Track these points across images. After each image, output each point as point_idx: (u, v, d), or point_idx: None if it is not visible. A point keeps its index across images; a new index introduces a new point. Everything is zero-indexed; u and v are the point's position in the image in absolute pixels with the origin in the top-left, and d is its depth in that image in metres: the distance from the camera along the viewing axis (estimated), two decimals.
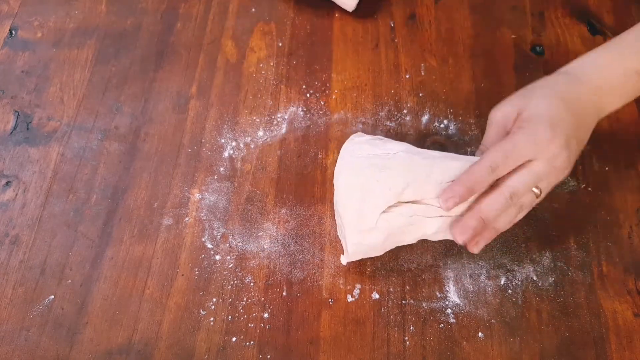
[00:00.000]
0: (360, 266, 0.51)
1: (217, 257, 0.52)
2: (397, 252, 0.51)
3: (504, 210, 0.44)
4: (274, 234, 0.53)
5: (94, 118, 0.59)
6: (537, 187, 0.45)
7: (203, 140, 0.58)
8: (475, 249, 0.45)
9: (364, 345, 0.48)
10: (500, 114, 0.48)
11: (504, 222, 0.45)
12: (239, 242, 0.52)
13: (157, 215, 0.54)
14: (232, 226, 0.53)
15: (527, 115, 0.45)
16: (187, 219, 0.53)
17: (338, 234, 0.52)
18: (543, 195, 0.46)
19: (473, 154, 0.56)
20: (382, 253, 0.48)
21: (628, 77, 0.48)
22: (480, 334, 0.48)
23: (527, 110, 0.46)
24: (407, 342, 0.48)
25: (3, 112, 0.59)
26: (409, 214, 0.45)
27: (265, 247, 0.52)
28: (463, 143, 0.57)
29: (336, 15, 0.66)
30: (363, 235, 0.45)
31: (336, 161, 0.56)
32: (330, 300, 0.50)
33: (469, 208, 0.45)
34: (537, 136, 0.44)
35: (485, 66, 0.62)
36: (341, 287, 0.50)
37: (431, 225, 0.46)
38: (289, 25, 0.65)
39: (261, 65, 0.63)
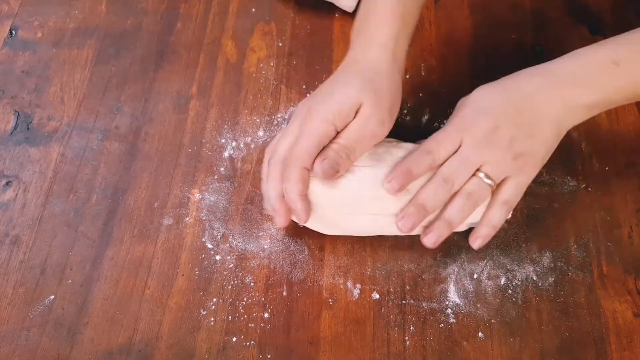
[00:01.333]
0: (360, 266, 0.51)
1: (218, 257, 0.52)
2: (397, 252, 0.52)
3: (441, 195, 0.44)
4: (274, 234, 0.53)
5: (94, 118, 0.59)
6: (484, 175, 0.44)
7: (203, 140, 0.58)
8: (429, 243, 0.45)
9: (364, 345, 0.48)
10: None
11: (455, 214, 0.45)
12: (239, 242, 0.52)
13: (158, 215, 0.54)
14: (232, 226, 0.53)
15: (462, 103, 0.48)
16: (187, 219, 0.53)
17: None
18: (509, 190, 0.45)
19: None
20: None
21: (603, 67, 0.46)
22: (480, 334, 0.48)
23: (466, 100, 0.48)
24: (407, 342, 0.48)
25: (3, 112, 0.59)
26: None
27: (265, 247, 0.52)
28: None
29: (336, 15, 0.66)
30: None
31: None
32: (330, 300, 0.50)
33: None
34: (462, 120, 0.46)
35: (485, 66, 0.62)
36: (341, 287, 0.50)
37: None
38: (289, 25, 0.65)
39: (261, 65, 0.63)
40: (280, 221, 0.46)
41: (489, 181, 0.45)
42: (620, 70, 0.45)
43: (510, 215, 0.49)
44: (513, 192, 0.46)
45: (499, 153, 0.44)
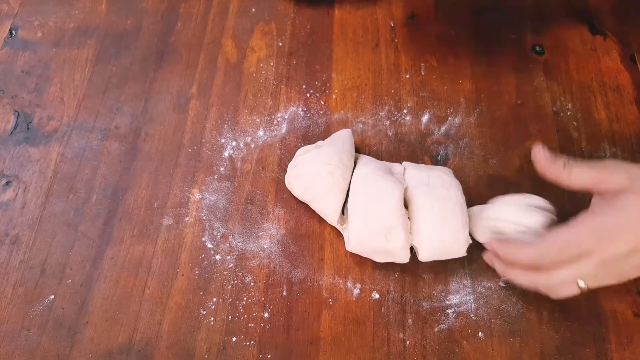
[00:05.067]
0: (360, 266, 0.51)
1: (217, 257, 0.52)
2: None
3: (529, 284, 0.44)
4: (274, 234, 0.53)
5: (94, 118, 0.59)
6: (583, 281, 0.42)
7: (203, 140, 0.58)
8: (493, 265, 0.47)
9: (364, 345, 0.48)
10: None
11: (527, 288, 0.45)
12: (239, 242, 0.52)
13: (158, 215, 0.54)
14: (232, 226, 0.53)
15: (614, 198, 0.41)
16: (187, 218, 0.53)
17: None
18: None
19: (471, 151, 0.56)
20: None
21: None
22: (480, 333, 0.48)
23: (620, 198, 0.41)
24: (407, 342, 0.48)
25: (3, 112, 0.59)
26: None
27: (265, 247, 0.52)
28: (463, 143, 0.57)
29: (336, 15, 0.66)
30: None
31: None
32: (330, 300, 0.50)
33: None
34: (604, 227, 0.40)
35: (485, 66, 0.62)
36: (341, 287, 0.50)
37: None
38: (289, 25, 0.65)
39: (261, 65, 0.63)
40: None
41: (584, 286, 0.42)
42: None
43: None
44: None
45: (620, 278, 0.42)
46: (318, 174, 0.50)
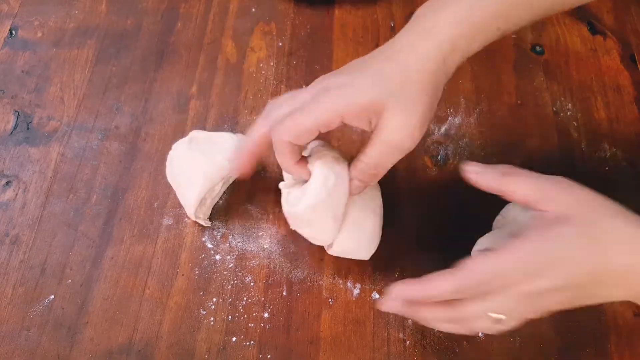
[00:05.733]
0: (360, 266, 0.51)
1: (217, 257, 0.52)
2: (397, 252, 0.51)
3: (443, 320, 0.39)
4: (274, 234, 0.53)
5: (94, 118, 0.59)
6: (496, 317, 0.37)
7: None
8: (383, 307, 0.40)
9: (364, 345, 0.48)
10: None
11: (438, 327, 0.41)
12: (239, 242, 0.52)
13: (158, 215, 0.54)
14: (232, 226, 0.53)
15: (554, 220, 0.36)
16: (187, 218, 0.53)
17: None
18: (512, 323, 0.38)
19: (471, 152, 0.56)
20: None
21: None
22: (480, 333, 0.48)
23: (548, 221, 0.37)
24: (407, 342, 0.48)
25: (3, 112, 0.59)
26: None
27: (265, 246, 0.52)
28: (463, 143, 0.57)
29: (336, 15, 0.66)
30: None
31: None
32: (330, 300, 0.50)
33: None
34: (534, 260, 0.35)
35: (485, 66, 0.62)
36: (341, 287, 0.50)
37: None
38: (289, 25, 0.65)
39: (261, 65, 0.63)
40: (236, 169, 0.48)
41: (503, 318, 0.37)
42: None
43: None
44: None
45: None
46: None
